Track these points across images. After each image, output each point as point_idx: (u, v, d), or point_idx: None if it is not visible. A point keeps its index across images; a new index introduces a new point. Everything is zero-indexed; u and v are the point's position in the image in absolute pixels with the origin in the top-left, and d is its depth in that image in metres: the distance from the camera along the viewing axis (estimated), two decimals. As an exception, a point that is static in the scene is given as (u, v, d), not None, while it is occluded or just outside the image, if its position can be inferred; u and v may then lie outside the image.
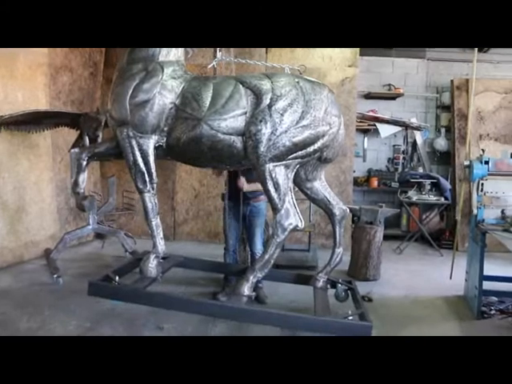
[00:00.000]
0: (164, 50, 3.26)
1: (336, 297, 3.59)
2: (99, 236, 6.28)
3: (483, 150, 4.13)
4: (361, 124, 6.73)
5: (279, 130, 2.97)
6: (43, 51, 5.50)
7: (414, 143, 7.05)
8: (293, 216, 3.10)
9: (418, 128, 6.73)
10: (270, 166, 3.01)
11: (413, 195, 6.19)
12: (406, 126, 6.73)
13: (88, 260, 5.42)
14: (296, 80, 3.13)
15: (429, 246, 6.39)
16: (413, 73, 7.11)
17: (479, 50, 5.81)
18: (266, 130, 2.97)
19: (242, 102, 3.07)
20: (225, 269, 4.27)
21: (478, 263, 3.98)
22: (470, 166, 4.05)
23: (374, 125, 6.82)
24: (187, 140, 3.14)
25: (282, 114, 2.97)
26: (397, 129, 6.84)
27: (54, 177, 5.74)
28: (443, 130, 7.01)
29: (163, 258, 3.64)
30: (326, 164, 3.45)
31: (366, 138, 7.24)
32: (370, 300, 4.30)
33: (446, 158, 7.02)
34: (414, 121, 6.74)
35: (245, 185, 4.15)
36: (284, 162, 3.05)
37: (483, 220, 4.02)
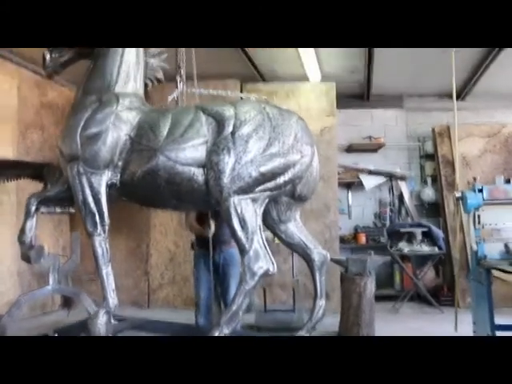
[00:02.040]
0: (121, 81, 3.03)
1: None
2: (66, 304, 5.72)
3: (475, 178, 3.82)
4: (343, 177, 6.48)
5: (244, 158, 2.64)
6: (13, 106, 5.34)
7: (401, 196, 6.77)
8: (263, 258, 2.65)
9: (402, 177, 6.49)
10: (234, 199, 2.65)
11: (404, 247, 5.78)
12: (390, 176, 6.49)
13: (48, 329, 4.79)
14: (262, 106, 2.87)
15: (426, 305, 5.89)
16: (392, 124, 6.99)
17: (457, 98, 5.75)
18: (229, 159, 2.64)
19: (203, 130, 2.78)
20: (193, 333, 3.70)
21: (486, 306, 3.51)
22: (462, 198, 3.71)
23: (358, 177, 6.56)
24: (142, 174, 2.81)
25: (246, 141, 2.66)
26: (381, 179, 6.59)
27: (17, 237, 5.31)
28: (429, 180, 6.76)
29: (119, 320, 3.16)
30: (301, 203, 3.08)
31: (350, 194, 6.94)
32: (365, 358, 3.74)
33: (434, 210, 6.70)
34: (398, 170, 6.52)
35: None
36: (251, 195, 2.68)
37: (485, 256, 3.60)
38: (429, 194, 6.67)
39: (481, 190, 3.63)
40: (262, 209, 2.78)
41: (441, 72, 5.77)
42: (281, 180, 2.73)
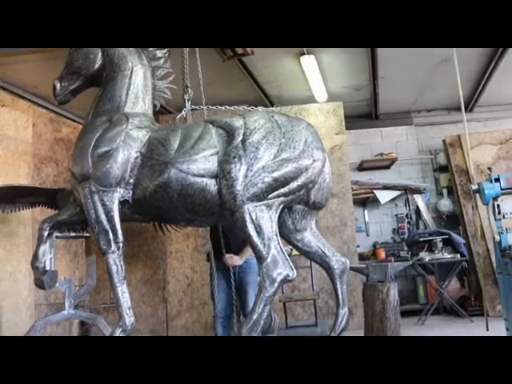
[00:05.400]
0: (130, 103, 3.09)
1: None
2: (84, 334, 5.64)
3: (490, 169, 3.75)
4: (358, 193, 6.43)
5: (256, 165, 2.63)
6: (27, 140, 5.48)
7: (417, 209, 6.69)
8: (282, 264, 2.58)
9: (417, 190, 6.42)
10: (249, 206, 2.61)
11: (425, 256, 5.63)
12: (405, 190, 6.43)
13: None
14: (270, 115, 2.90)
15: (454, 317, 5.67)
16: (403, 140, 7.03)
17: (465, 109, 5.78)
18: (240, 167, 2.63)
19: (213, 141, 2.78)
20: None
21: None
22: (479, 189, 3.64)
23: (372, 192, 6.51)
24: (154, 188, 2.79)
25: (257, 148, 2.66)
26: (396, 193, 6.54)
27: (34, 269, 5.31)
28: (445, 191, 6.70)
29: None
30: (316, 211, 3.04)
31: (366, 211, 6.90)
32: (393, 363, 3.57)
33: (453, 220, 6.60)
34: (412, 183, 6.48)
35: (235, 259, 3.71)
36: (265, 202, 2.64)
37: (509, 246, 3.48)
38: (446, 204, 6.58)
39: (497, 180, 3.56)
40: (277, 215, 2.72)
41: (446, 85, 5.86)
42: (294, 185, 2.69)
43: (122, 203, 2.88)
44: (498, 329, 4.03)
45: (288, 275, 2.59)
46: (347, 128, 6.31)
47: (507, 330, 3.72)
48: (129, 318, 2.81)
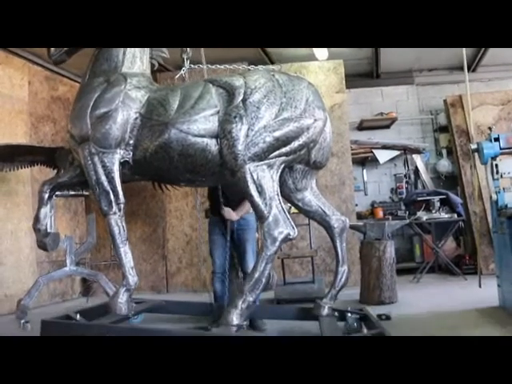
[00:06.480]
0: (127, 62, 3.04)
1: (348, 331, 2.98)
2: (86, 292, 5.79)
3: (490, 128, 3.75)
4: (357, 152, 6.43)
5: (257, 124, 2.62)
6: (23, 99, 5.41)
7: (416, 170, 6.70)
8: (283, 223, 2.61)
9: (417, 150, 6.41)
10: (250, 166, 2.61)
11: (422, 215, 5.70)
12: (404, 149, 6.42)
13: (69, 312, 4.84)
14: (271, 73, 2.86)
15: (449, 275, 5.79)
16: (403, 99, 6.96)
17: (468, 69, 5.68)
18: (241, 126, 2.61)
19: (214, 100, 2.76)
20: (215, 310, 3.64)
21: (509, 256, 3.43)
22: (478, 149, 3.65)
23: (371, 152, 6.50)
24: (155, 148, 2.78)
25: (258, 108, 2.64)
26: (395, 153, 6.53)
27: (34, 227, 5.37)
28: (444, 152, 6.69)
29: (138, 303, 3.15)
30: (316, 170, 3.05)
31: (364, 171, 6.92)
32: (387, 318, 3.68)
33: (451, 181, 6.62)
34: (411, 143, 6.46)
35: (232, 214, 3.71)
36: (266, 161, 2.65)
37: (506, 206, 3.53)
38: (445, 165, 6.59)
39: (497, 139, 3.57)
40: (278, 175, 2.74)
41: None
42: (295, 144, 2.69)
43: (123, 164, 2.89)
44: (490, 285, 4.15)
45: (289, 234, 2.63)
46: (347, 87, 6.24)
47: (499, 286, 3.83)
48: (132, 278, 2.87)
